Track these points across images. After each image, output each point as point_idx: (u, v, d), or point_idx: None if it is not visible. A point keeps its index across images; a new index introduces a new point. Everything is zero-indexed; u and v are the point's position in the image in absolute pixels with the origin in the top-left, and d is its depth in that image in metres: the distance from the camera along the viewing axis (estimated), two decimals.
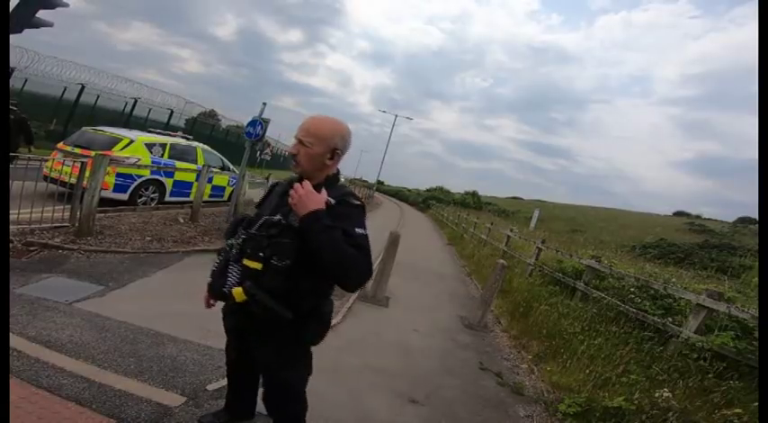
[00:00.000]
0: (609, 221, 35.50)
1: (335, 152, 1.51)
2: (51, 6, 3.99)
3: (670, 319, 4.31)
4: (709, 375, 3.37)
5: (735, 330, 3.78)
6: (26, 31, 3.86)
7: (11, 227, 4.22)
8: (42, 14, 4.05)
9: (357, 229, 1.40)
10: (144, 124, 16.09)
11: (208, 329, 3.07)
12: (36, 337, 2.44)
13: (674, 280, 5.35)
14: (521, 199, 62.45)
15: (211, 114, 29.53)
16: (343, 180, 1.85)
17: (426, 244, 13.20)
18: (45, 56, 13.30)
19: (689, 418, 2.86)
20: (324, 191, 1.44)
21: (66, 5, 4.15)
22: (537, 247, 8.00)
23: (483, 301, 5.17)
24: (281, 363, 1.59)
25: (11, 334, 2.37)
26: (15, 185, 4.20)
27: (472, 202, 39.95)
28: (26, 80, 13.43)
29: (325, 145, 1.48)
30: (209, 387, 2.34)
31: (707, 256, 20.92)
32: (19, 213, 4.38)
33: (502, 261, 5.51)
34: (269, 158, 27.17)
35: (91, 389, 2.05)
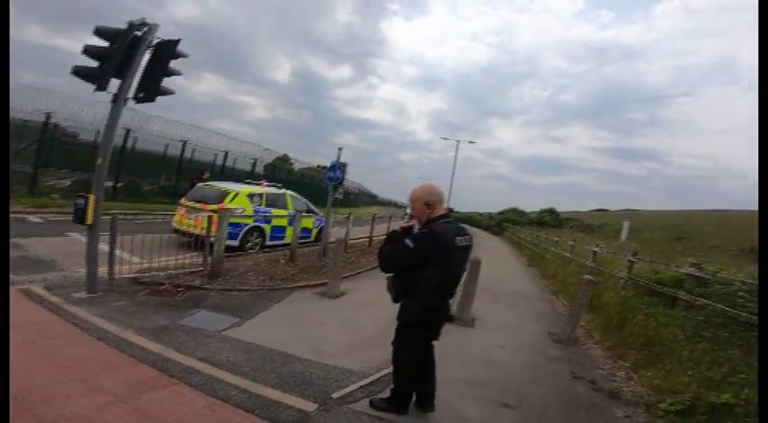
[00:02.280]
0: (719, 225, 31.37)
1: (427, 203, 2.59)
2: (176, 57, 4.42)
3: None
4: None
5: None
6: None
7: (160, 273, 5.35)
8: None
9: (406, 240, 2.46)
10: (232, 173, 17.57)
11: (321, 351, 3.66)
12: (204, 358, 3.18)
13: None
14: (606, 211, 57.62)
15: (285, 159, 31.53)
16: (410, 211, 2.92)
17: (506, 267, 13.03)
18: (151, 115, 14.47)
19: None
20: (412, 222, 2.70)
21: (186, 55, 4.60)
22: (628, 260, 7.64)
23: (571, 315, 5.18)
24: (394, 338, 2.67)
25: (186, 356, 3.15)
26: (157, 238, 5.36)
27: (550, 219, 37.82)
28: (136, 139, 14.55)
29: (419, 202, 2.61)
30: (334, 395, 2.86)
31: None
32: (167, 260, 5.51)
33: (588, 276, 5.49)
34: (341, 198, 28.64)
35: (252, 398, 2.67)
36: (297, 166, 31.75)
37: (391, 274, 2.58)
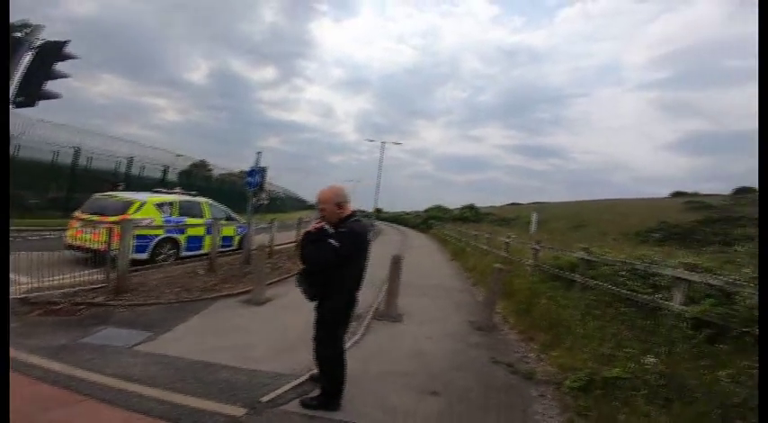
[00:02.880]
0: (610, 212, 35.69)
1: (339, 205, 2.68)
2: (63, 58, 4.35)
3: (659, 296, 4.64)
4: (695, 341, 3.66)
5: (716, 298, 4.05)
6: None
7: (54, 291, 4.77)
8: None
9: (330, 240, 2.56)
10: (139, 182, 16.17)
11: (248, 357, 3.56)
12: (114, 373, 2.93)
13: (656, 258, 5.78)
14: (519, 204, 62.78)
15: (202, 165, 29.91)
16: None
17: (431, 262, 13.65)
18: (36, 120, 12.95)
19: (679, 381, 3.17)
20: (319, 223, 2.69)
21: (67, 76, 4.49)
22: (533, 249, 8.49)
23: (487, 303, 5.63)
24: (314, 337, 2.74)
25: (93, 373, 2.88)
26: (47, 256, 4.77)
27: (471, 215, 40.51)
28: (19, 146, 12.74)
29: (330, 203, 2.68)
30: (263, 399, 2.81)
31: (710, 232, 21.22)
32: (60, 279, 4.95)
33: (498, 265, 6.01)
34: (267, 202, 27.79)
35: (174, 409, 2.53)
36: (216, 172, 30.13)
37: (299, 276, 2.74)
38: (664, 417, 2.83)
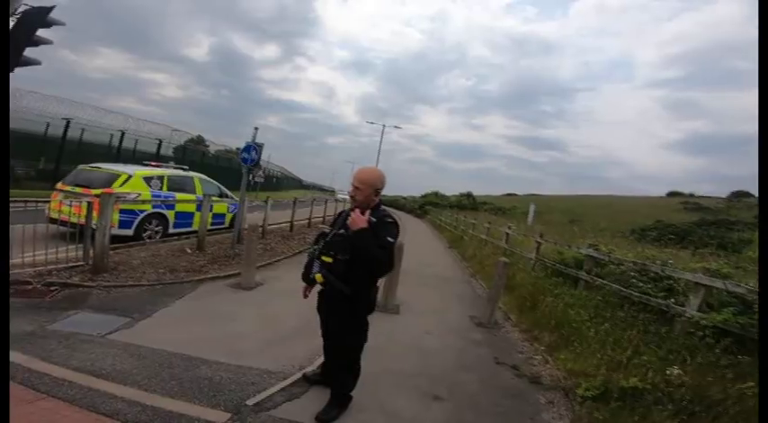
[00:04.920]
0: (606, 208, 35.68)
1: (377, 190, 2.38)
2: (48, 25, 4.06)
3: (672, 300, 4.41)
4: (717, 351, 3.44)
5: (735, 306, 3.84)
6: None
7: (27, 270, 4.37)
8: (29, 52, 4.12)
9: (387, 238, 2.25)
10: (133, 156, 15.91)
11: (234, 350, 3.24)
12: (80, 367, 2.59)
13: (671, 261, 5.52)
14: (516, 195, 62.76)
15: (199, 140, 29.49)
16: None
17: (428, 250, 13.36)
18: (26, 91, 12.82)
19: (703, 394, 2.94)
20: (368, 214, 2.27)
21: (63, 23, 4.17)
22: (536, 242, 8.20)
23: (490, 299, 5.34)
24: (343, 329, 2.43)
25: (58, 366, 2.53)
26: (23, 229, 4.36)
27: (468, 203, 40.24)
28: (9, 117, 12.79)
29: (371, 187, 2.35)
30: (249, 402, 2.49)
31: (705, 234, 21.16)
32: (34, 256, 4.51)
33: (504, 259, 5.70)
34: (262, 181, 27.34)
35: (146, 411, 2.20)
36: (213, 149, 29.50)
37: (329, 269, 2.30)
38: None
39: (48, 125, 13.97)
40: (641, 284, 5.02)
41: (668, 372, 3.16)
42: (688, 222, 27.07)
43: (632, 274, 5.34)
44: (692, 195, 47.08)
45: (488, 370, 3.75)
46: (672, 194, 51.10)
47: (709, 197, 42.02)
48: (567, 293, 5.70)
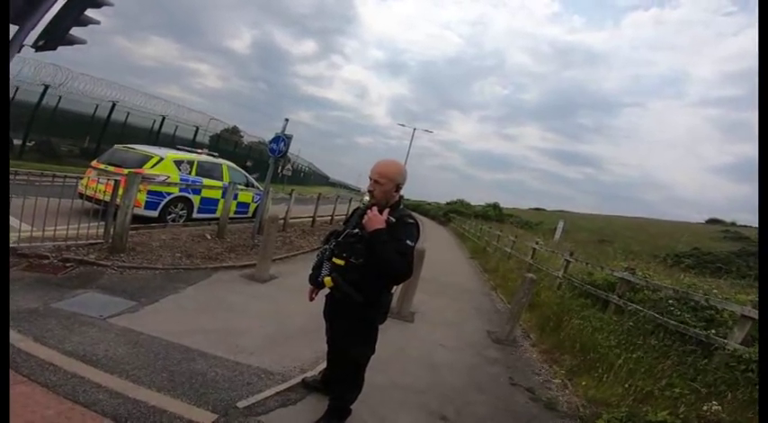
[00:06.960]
0: (637, 231, 34.27)
1: (399, 186, 2.12)
2: (98, 5, 4.05)
3: (713, 331, 4.11)
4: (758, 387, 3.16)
5: None
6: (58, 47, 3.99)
7: (47, 243, 4.39)
8: (76, 31, 4.17)
9: (407, 241, 1.98)
10: (172, 141, 16.47)
11: (236, 345, 3.10)
12: (72, 351, 2.49)
13: (715, 291, 5.07)
14: (543, 210, 61.01)
15: (234, 131, 30.02)
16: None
17: (449, 258, 13.02)
18: (78, 73, 13.47)
19: None
20: (386, 213, 2.01)
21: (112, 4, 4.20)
22: (565, 260, 7.77)
23: (511, 315, 5.02)
24: (349, 337, 2.19)
25: (48, 348, 2.44)
26: (52, 203, 4.39)
27: (493, 214, 39.35)
28: (60, 98, 13.33)
29: (392, 182, 2.09)
30: (240, 404, 2.32)
31: (744, 265, 19.91)
32: (56, 230, 4.52)
33: (531, 275, 5.36)
34: (290, 174, 27.61)
35: (126, 405, 2.07)
36: (246, 140, 30.04)
37: (341, 274, 2.04)
38: None
39: (96, 107, 14.62)
40: (679, 313, 4.65)
41: (705, 407, 2.81)
42: (727, 251, 25.56)
43: (670, 301, 4.95)
44: (733, 224, 44.41)
45: (502, 391, 3.48)
46: (712, 222, 48.38)
47: (751, 227, 39.42)
48: (594, 316, 5.31)
